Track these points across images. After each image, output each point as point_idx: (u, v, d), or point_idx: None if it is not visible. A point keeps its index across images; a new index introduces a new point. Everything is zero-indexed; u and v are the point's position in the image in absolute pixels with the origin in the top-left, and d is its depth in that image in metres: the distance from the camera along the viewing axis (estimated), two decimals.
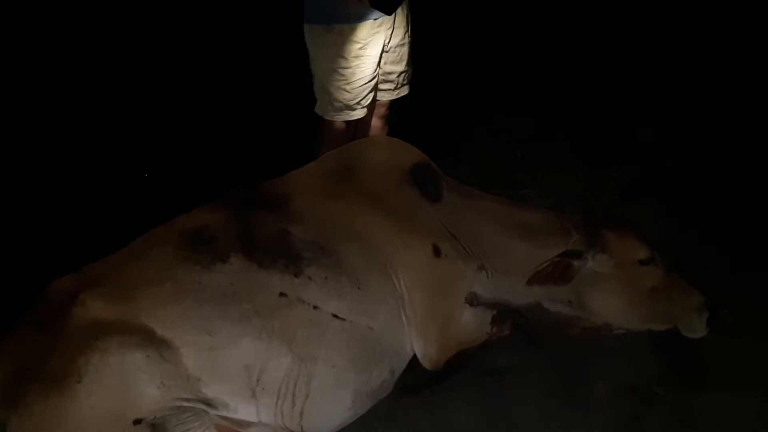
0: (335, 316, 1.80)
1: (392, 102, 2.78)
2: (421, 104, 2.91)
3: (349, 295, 1.84)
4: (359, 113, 2.61)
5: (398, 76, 2.69)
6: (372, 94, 2.62)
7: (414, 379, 2.05)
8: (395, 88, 2.72)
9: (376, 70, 2.57)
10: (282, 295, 1.76)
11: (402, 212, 2.12)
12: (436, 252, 2.10)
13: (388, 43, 2.56)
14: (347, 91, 2.52)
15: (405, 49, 2.64)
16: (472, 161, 3.08)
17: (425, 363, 2.02)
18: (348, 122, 2.63)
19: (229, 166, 3.17)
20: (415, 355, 2.04)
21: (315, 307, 1.78)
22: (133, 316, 1.63)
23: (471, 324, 2.11)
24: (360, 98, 2.56)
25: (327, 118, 2.61)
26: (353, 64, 2.46)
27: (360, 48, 2.44)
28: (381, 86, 2.68)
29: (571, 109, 3.48)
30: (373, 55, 2.50)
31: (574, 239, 2.15)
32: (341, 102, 2.54)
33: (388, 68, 2.64)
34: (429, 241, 2.10)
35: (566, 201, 2.67)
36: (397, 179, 2.19)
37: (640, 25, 3.87)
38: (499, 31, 4.08)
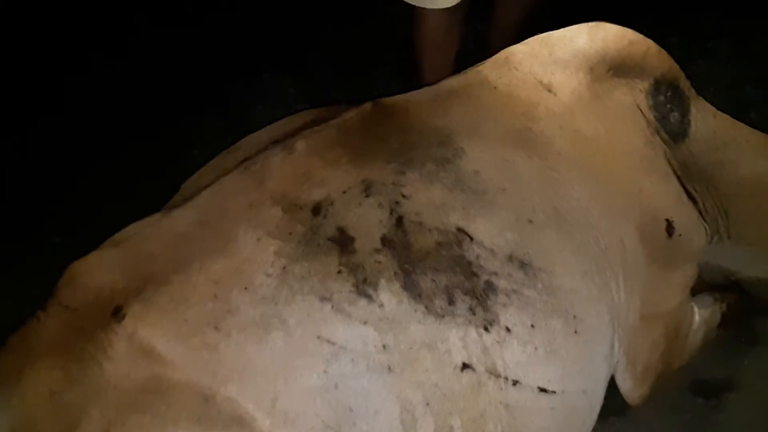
0: (542, 390, 1.09)
1: None
2: None
3: (563, 349, 1.11)
4: None
5: None
6: None
7: None
8: None
9: None
10: (466, 367, 1.03)
11: (632, 168, 1.29)
12: (669, 229, 1.33)
13: None
14: None
15: None
16: None
17: (631, 400, 1.36)
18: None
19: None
20: None
21: (515, 383, 1.06)
22: (215, 382, 0.94)
23: (698, 338, 1.43)
24: None
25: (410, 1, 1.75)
26: None
27: None
28: None
29: None
30: None
31: None
32: None
33: None
34: (663, 216, 1.32)
35: None
36: (631, 104, 1.30)
37: None
38: None
